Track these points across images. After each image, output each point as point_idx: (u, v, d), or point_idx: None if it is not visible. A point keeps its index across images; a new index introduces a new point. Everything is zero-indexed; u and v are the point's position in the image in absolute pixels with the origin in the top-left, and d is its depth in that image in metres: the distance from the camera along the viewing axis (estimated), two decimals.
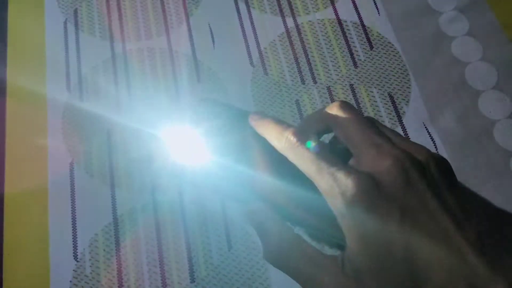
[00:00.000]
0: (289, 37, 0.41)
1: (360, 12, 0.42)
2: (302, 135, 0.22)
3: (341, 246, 0.31)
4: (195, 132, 0.27)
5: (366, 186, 0.19)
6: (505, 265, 0.18)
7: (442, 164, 0.21)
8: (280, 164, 0.24)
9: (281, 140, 0.22)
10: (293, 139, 0.22)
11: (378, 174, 0.20)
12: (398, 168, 0.20)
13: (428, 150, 0.21)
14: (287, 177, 0.24)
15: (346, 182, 0.19)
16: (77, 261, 0.33)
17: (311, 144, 0.22)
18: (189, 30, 0.41)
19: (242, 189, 0.26)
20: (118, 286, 0.32)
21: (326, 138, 0.27)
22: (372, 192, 0.19)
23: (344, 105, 0.23)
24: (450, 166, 0.21)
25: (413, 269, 0.18)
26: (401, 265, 0.19)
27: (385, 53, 0.40)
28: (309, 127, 0.25)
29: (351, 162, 0.22)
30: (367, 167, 0.20)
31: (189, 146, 0.28)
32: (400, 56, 0.40)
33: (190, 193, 0.35)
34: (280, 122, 0.24)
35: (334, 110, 0.23)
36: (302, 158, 0.21)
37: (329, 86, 0.39)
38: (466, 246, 0.18)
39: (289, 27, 0.41)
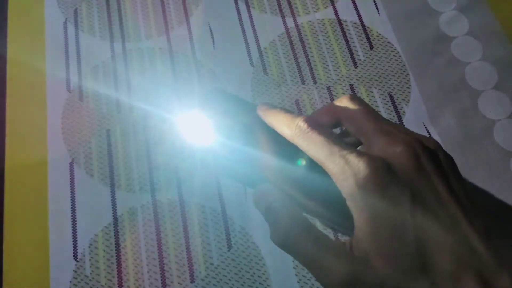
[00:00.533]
0: (289, 37, 0.41)
1: (360, 12, 0.42)
2: (313, 122, 0.22)
3: (343, 234, 0.31)
4: (203, 117, 0.27)
5: (378, 167, 0.19)
6: (510, 257, 0.18)
7: (448, 156, 0.21)
8: (286, 152, 0.24)
9: (292, 127, 0.23)
10: (304, 125, 0.22)
11: (390, 158, 0.20)
12: (410, 153, 0.20)
13: (436, 141, 0.22)
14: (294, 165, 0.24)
15: (359, 163, 0.20)
16: (77, 261, 0.33)
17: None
18: (189, 30, 0.41)
19: (250, 171, 0.26)
20: (118, 286, 0.32)
21: None
22: (384, 174, 0.19)
23: (354, 98, 0.24)
24: (454, 161, 0.22)
25: (421, 252, 0.19)
26: (410, 247, 0.19)
27: (385, 53, 0.40)
28: (319, 119, 0.25)
29: (361, 149, 0.22)
30: (378, 153, 0.21)
31: (197, 129, 0.28)
32: (400, 56, 0.40)
33: (200, 176, 0.35)
34: (289, 111, 0.24)
35: (343, 102, 0.24)
36: (314, 143, 0.21)
37: (329, 86, 0.39)
38: (474, 236, 0.18)
39: (289, 27, 0.41)
